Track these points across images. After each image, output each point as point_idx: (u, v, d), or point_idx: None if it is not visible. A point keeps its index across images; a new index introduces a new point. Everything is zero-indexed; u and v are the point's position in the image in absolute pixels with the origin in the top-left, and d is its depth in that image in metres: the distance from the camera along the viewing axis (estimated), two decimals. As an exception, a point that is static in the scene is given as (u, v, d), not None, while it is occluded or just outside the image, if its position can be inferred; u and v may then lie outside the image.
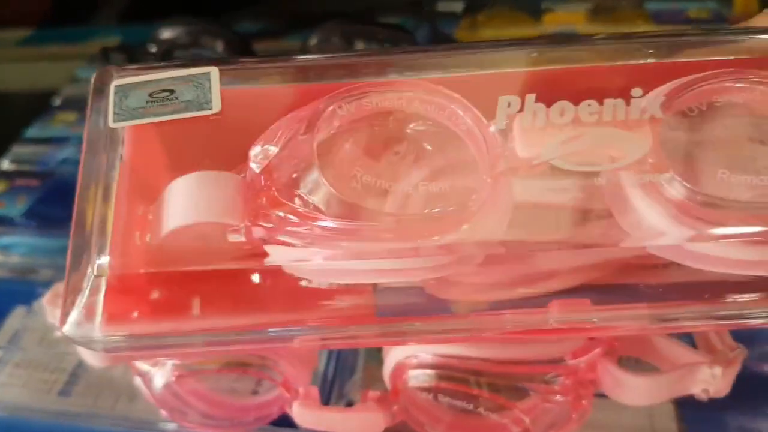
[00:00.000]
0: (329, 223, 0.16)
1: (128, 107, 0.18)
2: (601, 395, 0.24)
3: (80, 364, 0.34)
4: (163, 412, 0.26)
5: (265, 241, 0.17)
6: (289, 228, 0.16)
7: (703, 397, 0.23)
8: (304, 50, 0.40)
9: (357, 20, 0.41)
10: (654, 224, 0.16)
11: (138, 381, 0.26)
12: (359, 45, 0.39)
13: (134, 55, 0.42)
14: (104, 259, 0.17)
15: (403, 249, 0.16)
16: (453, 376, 0.22)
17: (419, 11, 0.54)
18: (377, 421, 0.23)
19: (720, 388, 0.23)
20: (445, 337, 0.19)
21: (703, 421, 0.30)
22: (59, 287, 0.27)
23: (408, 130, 0.18)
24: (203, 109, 0.18)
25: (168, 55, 0.40)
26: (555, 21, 0.54)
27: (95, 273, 0.17)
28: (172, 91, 0.18)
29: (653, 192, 0.16)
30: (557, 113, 0.16)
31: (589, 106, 0.16)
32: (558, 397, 0.22)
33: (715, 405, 0.26)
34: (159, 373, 0.25)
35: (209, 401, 0.26)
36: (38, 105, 0.52)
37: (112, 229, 0.17)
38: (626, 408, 0.31)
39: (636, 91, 0.17)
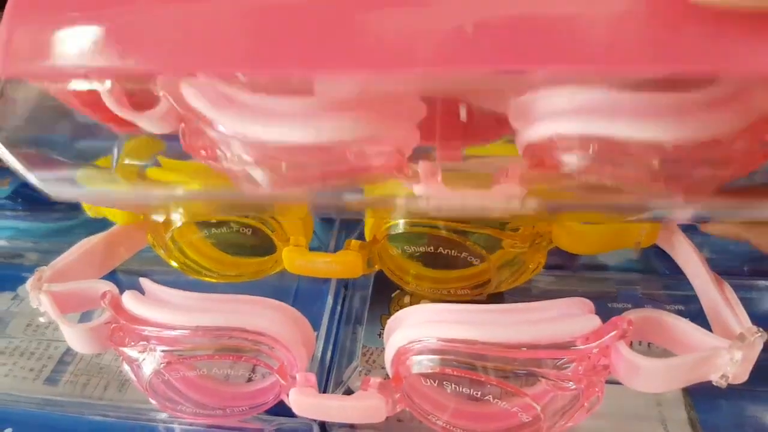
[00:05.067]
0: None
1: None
2: (609, 383, 0.23)
3: (68, 352, 0.33)
4: (153, 402, 0.25)
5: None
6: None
7: (722, 383, 0.22)
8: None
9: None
10: None
11: (126, 369, 0.25)
12: None
13: None
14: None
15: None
16: (458, 362, 0.21)
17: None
18: (379, 410, 0.22)
19: (739, 373, 0.22)
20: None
21: (715, 409, 0.29)
22: (43, 271, 0.26)
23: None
24: None
25: None
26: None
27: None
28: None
29: None
30: None
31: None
32: (570, 384, 0.21)
33: (726, 393, 0.25)
34: (148, 360, 0.23)
35: (200, 389, 0.25)
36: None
37: None
38: (635, 397, 0.30)
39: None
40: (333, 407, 0.22)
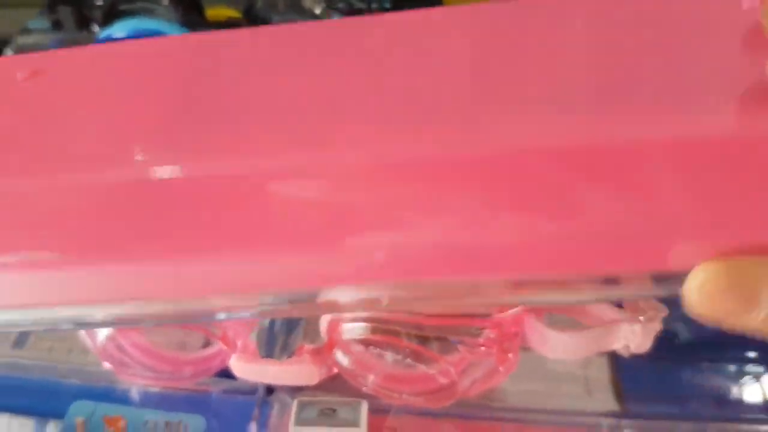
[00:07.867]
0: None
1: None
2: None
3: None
4: (107, 365, 0.27)
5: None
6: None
7: (624, 352, 0.24)
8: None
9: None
10: None
11: (82, 333, 0.26)
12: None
13: (81, 7, 0.41)
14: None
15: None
16: (385, 329, 0.23)
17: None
18: (312, 373, 0.24)
19: (639, 344, 0.24)
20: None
21: (636, 370, 0.31)
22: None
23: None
24: None
25: (113, 9, 0.39)
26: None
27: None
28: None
29: None
30: None
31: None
32: (483, 350, 0.23)
33: (649, 355, 0.27)
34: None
35: (150, 354, 0.27)
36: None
37: None
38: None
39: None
40: (270, 371, 0.24)
